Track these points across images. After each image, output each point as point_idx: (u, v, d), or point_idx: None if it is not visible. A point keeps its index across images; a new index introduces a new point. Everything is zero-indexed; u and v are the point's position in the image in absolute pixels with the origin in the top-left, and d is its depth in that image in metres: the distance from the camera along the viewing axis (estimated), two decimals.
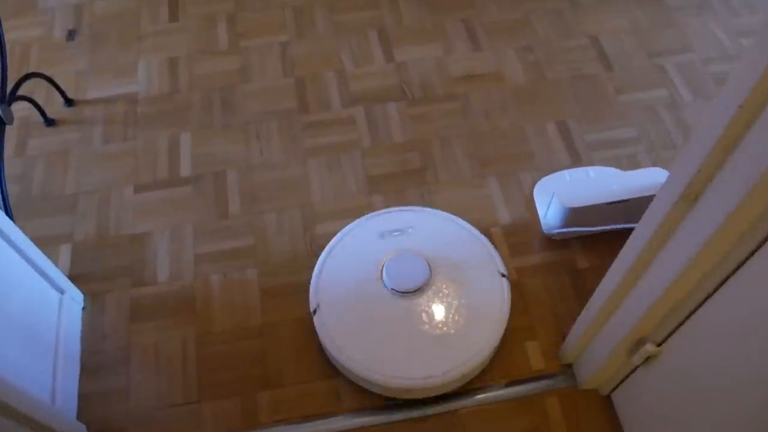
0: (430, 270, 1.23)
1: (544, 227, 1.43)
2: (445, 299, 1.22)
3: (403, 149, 1.56)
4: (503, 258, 1.30)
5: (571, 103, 1.66)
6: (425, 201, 1.48)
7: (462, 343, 1.18)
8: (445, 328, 1.19)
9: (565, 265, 1.39)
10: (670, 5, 1.89)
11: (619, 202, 1.33)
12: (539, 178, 1.52)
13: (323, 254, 1.31)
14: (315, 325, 1.22)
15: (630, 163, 1.55)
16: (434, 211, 1.37)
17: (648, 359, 0.97)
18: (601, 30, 1.81)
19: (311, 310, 1.24)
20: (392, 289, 1.21)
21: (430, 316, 1.20)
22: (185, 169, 1.52)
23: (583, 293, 1.35)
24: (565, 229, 1.37)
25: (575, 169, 1.54)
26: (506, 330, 1.22)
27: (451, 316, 1.20)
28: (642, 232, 0.83)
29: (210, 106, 1.63)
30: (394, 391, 1.18)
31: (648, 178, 1.37)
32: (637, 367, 1.04)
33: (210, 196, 1.48)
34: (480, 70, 1.72)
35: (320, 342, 1.23)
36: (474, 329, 1.20)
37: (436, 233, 1.32)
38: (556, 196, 1.34)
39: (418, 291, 1.21)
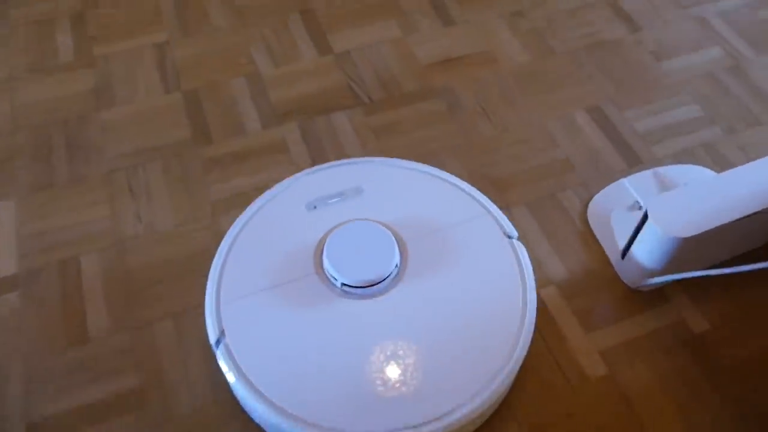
0: (399, 248, 0.77)
1: (624, 276, 0.88)
2: (427, 297, 0.74)
3: None
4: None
5: (598, 81, 1.13)
6: None
7: (463, 373, 0.69)
8: (431, 352, 0.70)
9: (673, 333, 0.84)
10: None
11: (750, 216, 0.80)
12: (590, 198, 0.97)
13: (221, 248, 0.78)
14: (221, 364, 0.70)
15: (712, 155, 1.03)
16: (393, 160, 0.87)
17: None
18: None
19: (212, 341, 0.71)
20: (343, 286, 0.74)
21: (410, 328, 0.72)
22: (7, 264, 0.88)
23: (720, 376, 0.80)
24: (667, 278, 0.82)
25: (638, 174, 1.00)
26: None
27: (442, 326, 0.72)
28: None
29: (47, 153, 1.00)
30: None
31: None
32: None
33: (53, 305, 0.85)
34: (459, 51, 1.17)
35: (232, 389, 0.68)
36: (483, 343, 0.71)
37: (400, 192, 0.84)
38: (652, 221, 0.79)
39: (383, 286, 0.74)
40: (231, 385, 0.70)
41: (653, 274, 0.84)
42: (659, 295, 0.88)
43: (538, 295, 0.87)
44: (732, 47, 1.20)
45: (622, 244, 0.90)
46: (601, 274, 0.90)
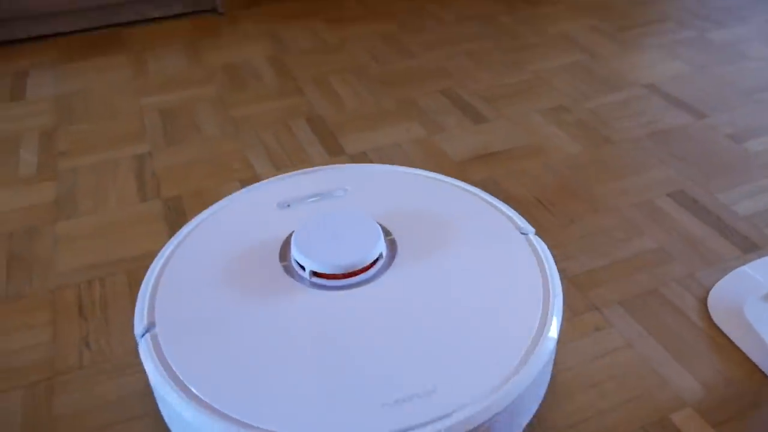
0: (385, 237, 0.61)
1: None
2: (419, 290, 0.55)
3: None
4: None
5: (674, 166, 0.92)
6: None
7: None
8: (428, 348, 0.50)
9: None
10: (717, 39, 1.28)
11: None
12: (705, 291, 0.72)
13: (169, 243, 0.62)
14: (142, 357, 0.50)
15: None
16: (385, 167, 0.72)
17: None
18: (653, 76, 1.15)
19: (137, 332, 0.52)
20: (312, 275, 0.56)
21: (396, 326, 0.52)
22: None
23: None
24: None
25: (761, 260, 0.75)
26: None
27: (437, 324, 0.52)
28: None
29: None
30: None
31: None
32: None
33: None
34: (498, 146, 0.97)
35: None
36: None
37: (391, 192, 0.67)
38: None
39: (365, 275, 0.56)
40: (151, 381, 0.50)
41: None
42: None
43: (669, 420, 0.58)
44: None
45: (761, 341, 0.63)
46: (752, 385, 0.61)
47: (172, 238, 0.62)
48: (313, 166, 0.91)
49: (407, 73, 1.18)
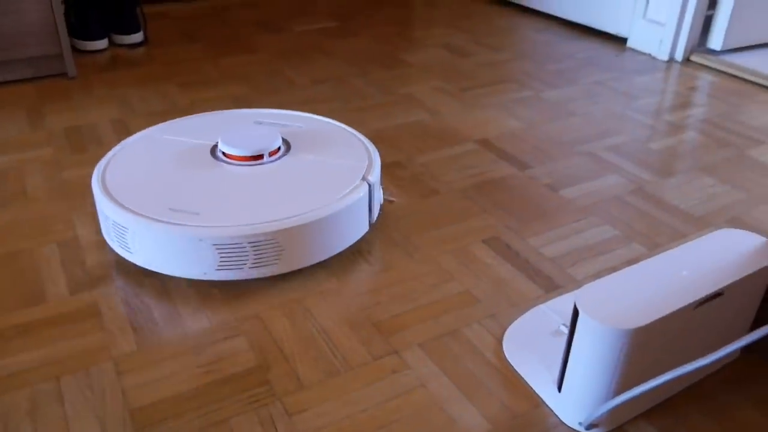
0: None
1: (564, 414, 0.62)
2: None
3: (211, 339, 0.73)
4: None
5: (494, 214, 0.97)
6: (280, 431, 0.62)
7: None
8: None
9: None
10: (550, 99, 1.38)
11: (712, 297, 0.60)
12: (503, 330, 0.75)
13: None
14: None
15: None
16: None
17: None
18: (487, 132, 1.22)
19: None
20: (222, 154, 0.92)
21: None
22: None
23: None
24: (619, 399, 0.57)
25: (559, 298, 0.79)
26: None
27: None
28: None
29: None
30: None
31: (716, 250, 0.66)
32: None
33: None
34: None
35: None
36: None
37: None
38: (586, 314, 0.57)
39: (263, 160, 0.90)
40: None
41: (601, 401, 0.59)
42: None
43: None
44: (631, 173, 1.09)
45: (554, 374, 0.66)
46: (534, 418, 0.63)
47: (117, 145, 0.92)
48: None
49: None
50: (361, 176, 0.87)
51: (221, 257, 0.76)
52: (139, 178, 0.86)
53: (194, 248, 0.75)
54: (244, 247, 0.76)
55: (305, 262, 0.81)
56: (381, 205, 0.94)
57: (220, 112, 1.06)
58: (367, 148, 0.95)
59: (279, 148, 0.93)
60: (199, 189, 0.83)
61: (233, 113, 1.05)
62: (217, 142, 0.94)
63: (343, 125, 1.02)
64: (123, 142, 0.95)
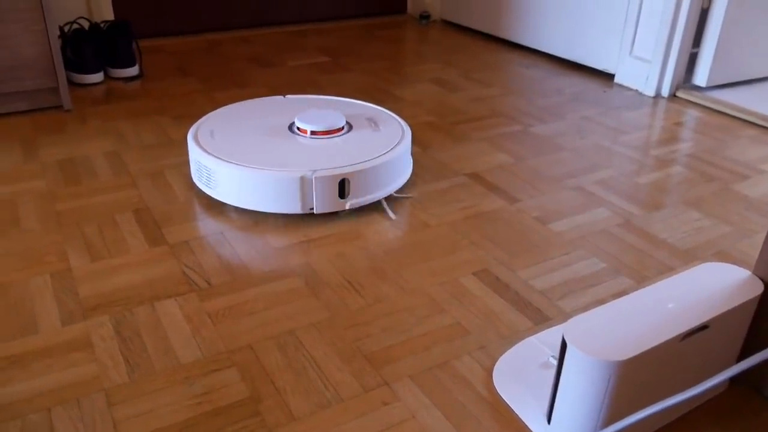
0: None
1: None
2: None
3: (203, 371, 0.73)
4: None
5: (483, 246, 0.98)
6: None
7: None
8: None
9: None
10: (539, 133, 1.40)
11: (697, 330, 0.61)
12: (494, 362, 0.75)
13: None
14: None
15: None
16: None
17: None
18: (477, 166, 1.24)
19: None
20: (297, 129, 1.14)
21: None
22: None
23: None
24: (613, 429, 0.58)
25: (548, 330, 0.80)
26: None
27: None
28: None
29: None
30: None
31: (697, 286, 0.67)
32: None
33: None
34: (319, 232, 1.01)
35: None
36: None
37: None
38: (574, 346, 0.57)
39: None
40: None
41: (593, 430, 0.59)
42: None
43: None
44: (618, 207, 1.10)
45: (544, 405, 0.66)
46: None
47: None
48: (132, 256, 0.91)
49: None
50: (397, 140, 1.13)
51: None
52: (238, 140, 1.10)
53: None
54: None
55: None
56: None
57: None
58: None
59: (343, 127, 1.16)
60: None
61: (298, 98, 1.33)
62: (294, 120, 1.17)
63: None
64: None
